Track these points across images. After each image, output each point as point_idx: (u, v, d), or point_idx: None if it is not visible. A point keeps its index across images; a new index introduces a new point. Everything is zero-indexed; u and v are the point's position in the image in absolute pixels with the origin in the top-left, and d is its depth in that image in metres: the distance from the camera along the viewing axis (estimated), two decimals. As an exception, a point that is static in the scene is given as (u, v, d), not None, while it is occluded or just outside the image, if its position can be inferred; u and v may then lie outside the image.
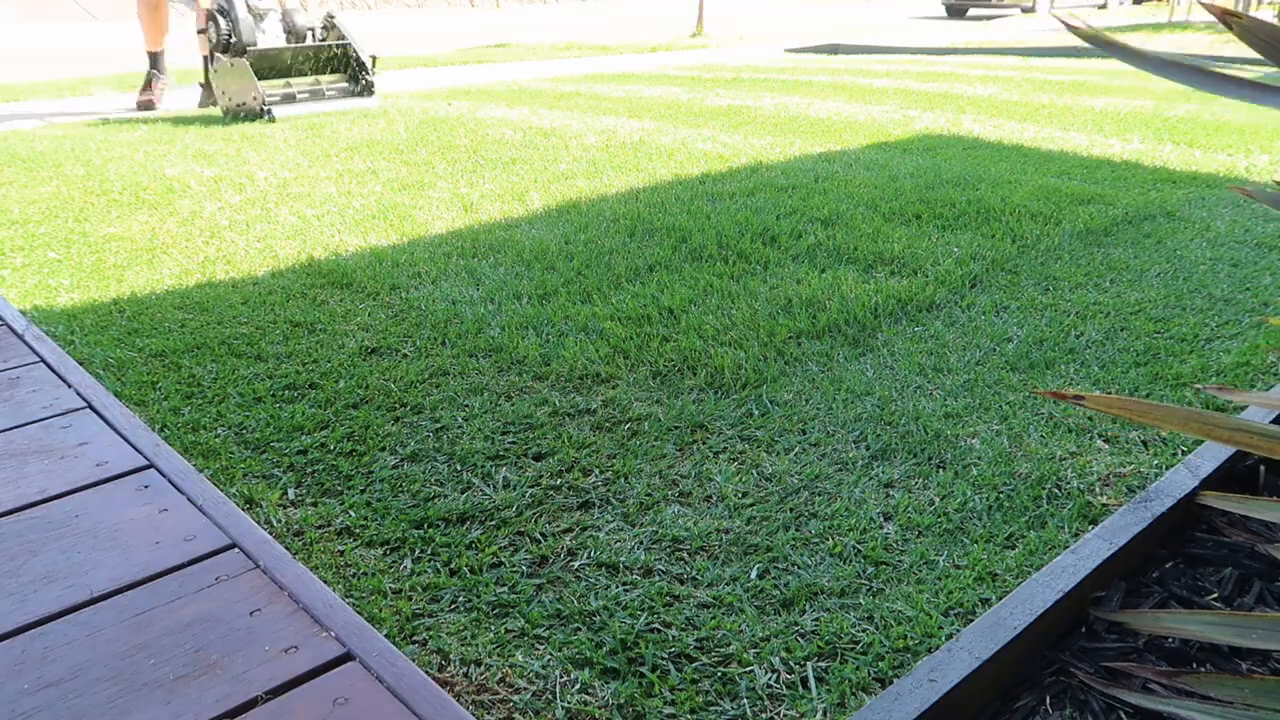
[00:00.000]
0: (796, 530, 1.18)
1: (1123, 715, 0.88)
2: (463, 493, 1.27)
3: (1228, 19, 0.57)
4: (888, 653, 0.96)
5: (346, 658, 0.87)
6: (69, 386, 1.45)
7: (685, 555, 1.13)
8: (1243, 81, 0.59)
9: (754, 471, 1.32)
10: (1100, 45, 0.63)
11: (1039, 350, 1.71)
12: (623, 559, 1.12)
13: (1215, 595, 1.05)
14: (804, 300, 1.95)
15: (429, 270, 2.17)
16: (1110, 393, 1.54)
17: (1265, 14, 12.36)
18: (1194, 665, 0.94)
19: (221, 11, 4.46)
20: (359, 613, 0.97)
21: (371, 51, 4.96)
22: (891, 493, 1.26)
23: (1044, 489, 1.26)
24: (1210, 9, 0.59)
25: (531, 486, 1.28)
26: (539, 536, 1.17)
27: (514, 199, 2.90)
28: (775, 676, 0.93)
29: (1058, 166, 3.28)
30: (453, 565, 1.11)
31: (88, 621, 0.92)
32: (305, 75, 4.88)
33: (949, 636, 0.98)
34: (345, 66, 5.00)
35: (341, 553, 1.14)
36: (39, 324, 1.85)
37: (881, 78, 6.33)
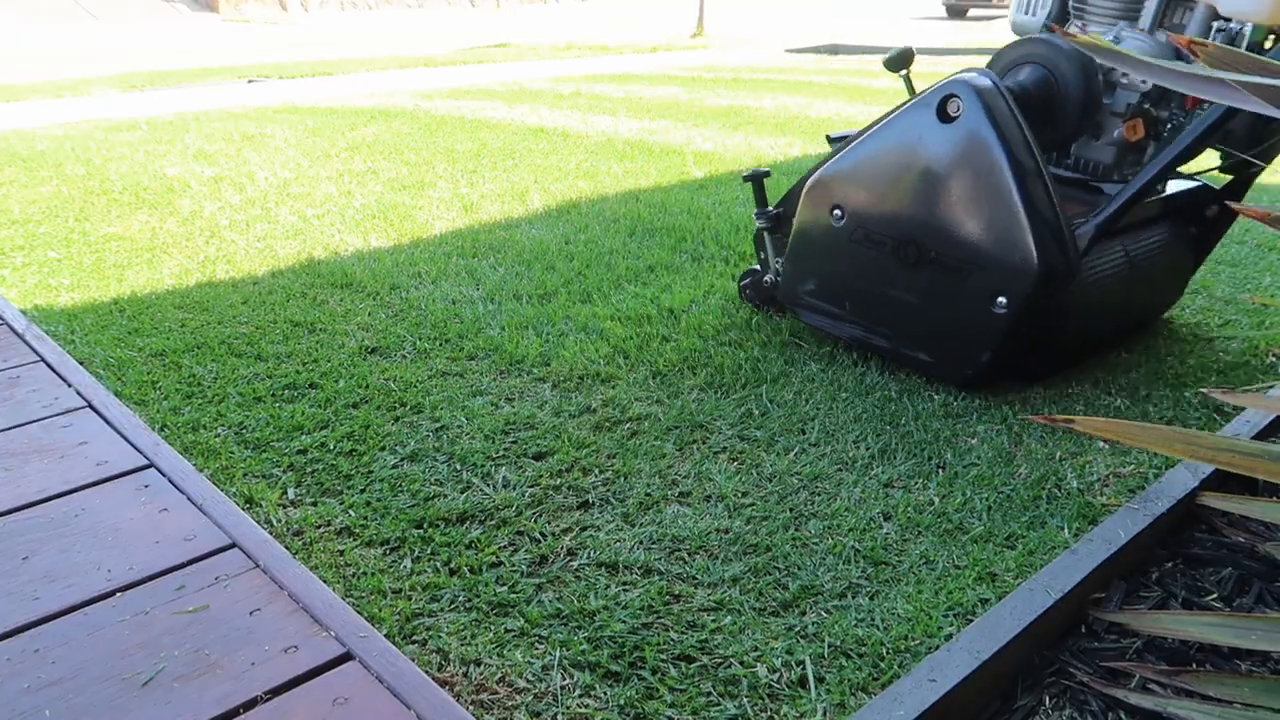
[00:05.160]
0: (796, 530, 1.18)
1: (1122, 715, 0.88)
2: (463, 492, 1.27)
3: (1193, 48, 0.57)
4: (888, 653, 0.96)
5: (346, 657, 0.87)
6: (69, 386, 1.45)
7: (685, 555, 1.13)
8: (1235, 85, 0.59)
9: (754, 471, 1.32)
10: (1093, 52, 0.63)
11: (1039, 350, 1.71)
12: (623, 558, 1.12)
13: (1215, 595, 1.05)
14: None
15: (429, 270, 2.17)
16: (1111, 391, 1.54)
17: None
18: (1193, 665, 0.94)
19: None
20: (359, 613, 0.97)
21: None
22: (891, 492, 1.26)
23: (1044, 489, 1.26)
24: (1177, 41, 0.59)
25: (531, 486, 1.28)
26: (539, 536, 1.17)
27: (514, 199, 2.90)
28: (776, 676, 0.93)
29: (1058, 167, 3.28)
30: (453, 565, 1.11)
31: (88, 621, 0.92)
32: None
33: (949, 636, 0.98)
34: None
35: (341, 552, 1.14)
36: (39, 323, 1.85)
37: (882, 78, 6.33)
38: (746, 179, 1.84)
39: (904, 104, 1.50)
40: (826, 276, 1.68)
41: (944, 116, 1.45)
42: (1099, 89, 1.53)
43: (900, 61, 1.68)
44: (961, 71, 1.46)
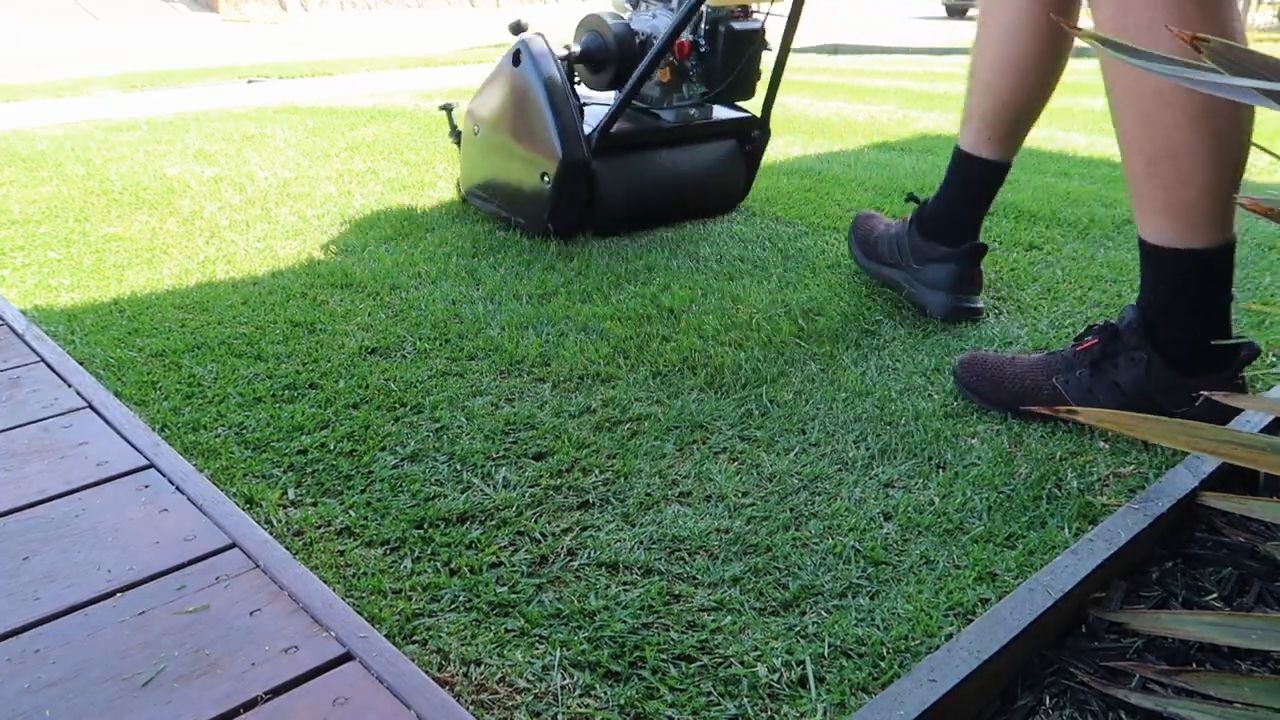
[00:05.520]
0: (796, 530, 1.18)
1: (1122, 715, 0.88)
2: (463, 493, 1.27)
3: (1197, 43, 0.57)
4: (888, 653, 0.96)
5: (346, 658, 0.87)
6: (69, 386, 1.45)
7: (685, 555, 1.13)
8: (1238, 86, 0.59)
9: (754, 471, 1.32)
10: (1105, 47, 0.63)
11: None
12: (623, 558, 1.12)
13: (1215, 595, 1.05)
14: (803, 301, 1.95)
15: (429, 270, 2.17)
16: (1110, 393, 1.54)
17: (1265, 13, 12.36)
18: (1194, 665, 0.94)
19: None
20: (359, 613, 0.97)
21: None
22: (891, 492, 1.26)
23: (1044, 489, 1.26)
24: (1180, 36, 0.59)
25: (531, 486, 1.28)
26: (539, 536, 1.17)
27: (514, 199, 2.90)
28: (776, 676, 0.93)
29: (1057, 166, 3.28)
30: (453, 565, 1.11)
31: (88, 621, 0.92)
32: None
33: (949, 636, 0.98)
34: None
35: (341, 553, 1.14)
36: (39, 324, 1.85)
37: (881, 78, 6.33)
38: (440, 108, 2.74)
39: (508, 51, 2.31)
40: (478, 173, 2.51)
41: (516, 62, 2.26)
42: (634, 49, 2.35)
43: (518, 28, 2.40)
44: (529, 34, 2.32)
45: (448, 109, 2.69)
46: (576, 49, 2.42)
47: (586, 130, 2.21)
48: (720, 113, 2.49)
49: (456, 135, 2.63)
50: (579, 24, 2.45)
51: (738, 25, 2.34)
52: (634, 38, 2.34)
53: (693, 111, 2.43)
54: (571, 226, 2.33)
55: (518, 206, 2.37)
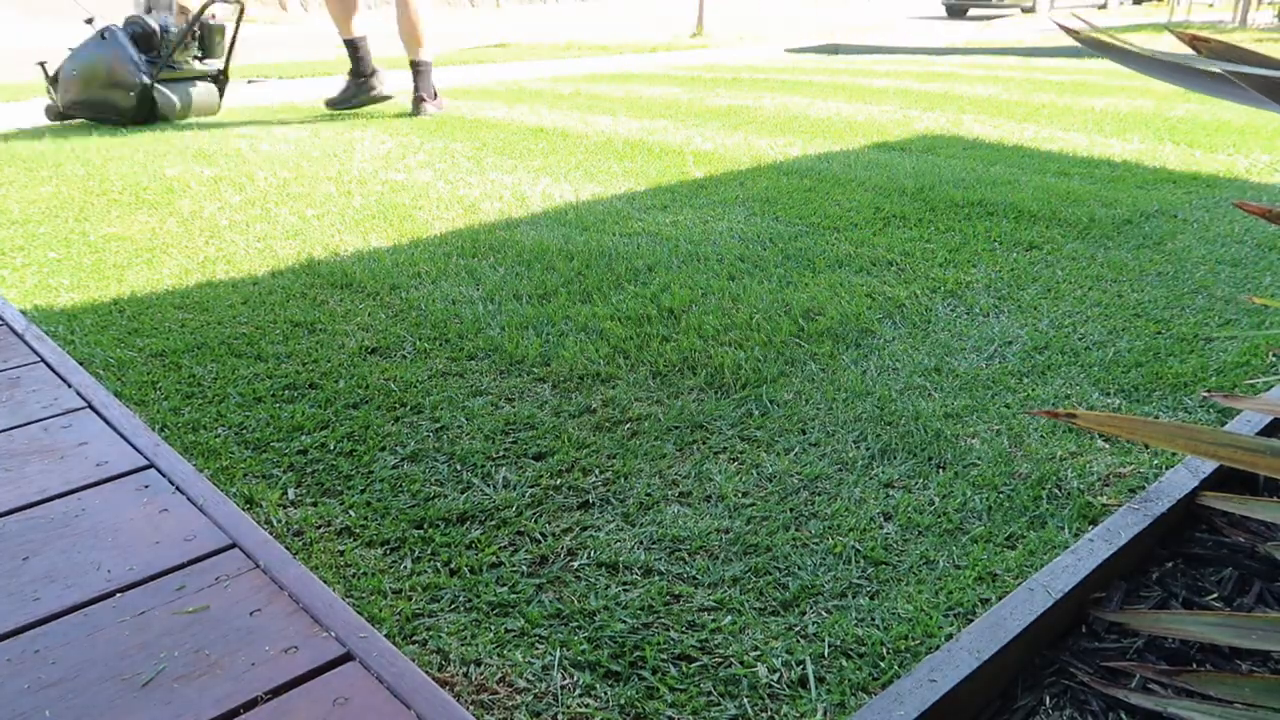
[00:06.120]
0: (796, 530, 1.18)
1: (1122, 715, 0.88)
2: (463, 493, 1.27)
3: (1196, 43, 0.57)
4: (888, 653, 0.96)
5: (346, 658, 0.87)
6: (69, 386, 1.45)
7: (685, 555, 1.13)
8: (1238, 84, 0.59)
9: (754, 471, 1.32)
10: (1097, 48, 0.63)
11: (1041, 353, 1.71)
12: (623, 559, 1.12)
13: (1215, 595, 1.05)
14: (803, 301, 1.95)
15: (429, 270, 2.17)
16: (1110, 392, 1.54)
17: (1265, 14, 12.36)
18: (1194, 665, 0.94)
19: None
20: (359, 613, 0.97)
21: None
22: (891, 493, 1.26)
23: (1044, 489, 1.26)
24: (1180, 36, 0.59)
25: (531, 486, 1.28)
26: (539, 536, 1.17)
27: (514, 199, 2.90)
28: (776, 676, 0.93)
29: (1057, 166, 3.28)
30: (453, 565, 1.11)
31: (88, 621, 0.92)
32: None
33: (949, 636, 0.98)
34: None
35: (341, 553, 1.14)
36: (39, 324, 1.85)
37: (882, 78, 6.33)
38: (37, 64, 4.46)
39: (96, 32, 4.29)
40: (72, 96, 4.37)
41: (104, 37, 4.25)
42: (159, 35, 4.36)
43: (90, 21, 4.34)
44: (112, 24, 4.27)
45: (43, 64, 4.39)
46: (133, 31, 4.32)
47: (146, 68, 4.29)
48: (206, 65, 4.63)
49: (52, 81, 4.39)
50: (129, 17, 4.35)
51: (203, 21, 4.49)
52: (156, 31, 4.39)
53: (194, 64, 4.57)
54: (141, 122, 4.36)
55: (108, 113, 4.34)
